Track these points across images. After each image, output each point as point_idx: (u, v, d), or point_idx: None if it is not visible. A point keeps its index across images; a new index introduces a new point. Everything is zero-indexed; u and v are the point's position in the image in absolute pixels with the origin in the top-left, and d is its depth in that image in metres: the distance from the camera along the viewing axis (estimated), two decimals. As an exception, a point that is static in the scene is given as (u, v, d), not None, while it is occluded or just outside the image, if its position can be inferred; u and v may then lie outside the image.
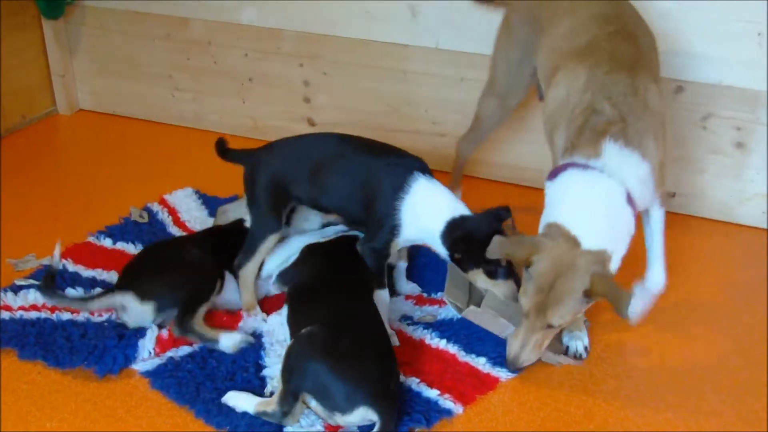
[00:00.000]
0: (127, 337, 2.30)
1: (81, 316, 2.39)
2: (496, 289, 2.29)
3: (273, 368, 2.23)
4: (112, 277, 2.56)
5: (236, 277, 2.46)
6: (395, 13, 3.23)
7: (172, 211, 3.00)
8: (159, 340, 2.31)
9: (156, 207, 3.01)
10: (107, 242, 2.79)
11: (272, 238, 2.44)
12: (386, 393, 2.01)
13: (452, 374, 2.25)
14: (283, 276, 2.46)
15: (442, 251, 2.32)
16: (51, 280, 2.33)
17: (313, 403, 2.03)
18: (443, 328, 2.42)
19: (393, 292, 2.51)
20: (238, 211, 2.66)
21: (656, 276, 2.37)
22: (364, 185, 2.36)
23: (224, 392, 2.14)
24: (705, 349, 2.40)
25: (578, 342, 2.34)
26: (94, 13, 3.73)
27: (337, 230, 2.61)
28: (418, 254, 2.68)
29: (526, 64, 2.62)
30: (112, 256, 2.71)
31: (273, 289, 2.49)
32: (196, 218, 2.95)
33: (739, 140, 2.94)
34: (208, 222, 2.87)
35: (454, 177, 3.04)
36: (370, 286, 2.35)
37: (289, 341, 2.16)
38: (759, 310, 2.55)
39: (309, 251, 2.46)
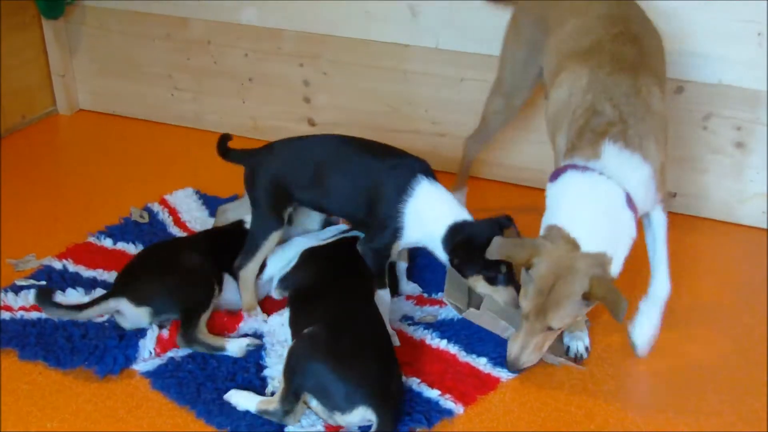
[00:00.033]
0: (127, 338, 2.30)
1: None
2: (496, 295, 2.29)
3: (274, 369, 2.23)
4: (112, 277, 2.55)
5: (236, 277, 2.46)
6: (395, 13, 3.23)
7: (173, 212, 3.00)
8: (160, 340, 2.31)
9: (156, 207, 3.01)
10: (108, 242, 2.79)
11: (273, 238, 2.44)
12: (386, 393, 2.01)
13: (453, 374, 2.25)
14: (284, 281, 2.46)
15: (442, 255, 2.31)
16: (48, 294, 2.33)
17: (314, 403, 2.03)
18: (444, 328, 2.42)
19: (394, 293, 2.50)
20: (238, 212, 2.66)
21: (661, 284, 2.31)
22: (367, 188, 2.35)
23: (225, 393, 2.14)
24: (705, 349, 2.40)
25: (579, 342, 2.34)
26: (94, 13, 3.73)
27: (338, 229, 2.61)
28: (418, 255, 2.68)
29: (532, 64, 2.61)
30: (113, 256, 2.71)
31: (275, 294, 2.48)
32: (197, 218, 2.95)
33: (739, 140, 2.94)
34: (209, 222, 2.87)
35: (460, 176, 3.03)
36: (371, 287, 2.35)
37: (291, 342, 2.17)
38: (759, 310, 2.55)
39: (308, 255, 2.46)
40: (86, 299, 2.42)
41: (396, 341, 2.32)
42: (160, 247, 2.59)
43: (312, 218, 2.63)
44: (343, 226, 2.63)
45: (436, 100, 3.30)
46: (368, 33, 3.30)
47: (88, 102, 3.94)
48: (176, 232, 2.89)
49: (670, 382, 2.27)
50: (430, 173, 2.36)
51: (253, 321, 2.42)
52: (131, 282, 2.36)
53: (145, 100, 3.81)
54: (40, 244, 2.77)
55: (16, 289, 2.51)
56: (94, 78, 3.88)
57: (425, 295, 2.59)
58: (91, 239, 2.81)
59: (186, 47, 3.64)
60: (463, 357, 2.32)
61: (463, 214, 2.31)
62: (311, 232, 2.63)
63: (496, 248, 2.10)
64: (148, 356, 2.28)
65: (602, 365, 2.32)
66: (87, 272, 2.63)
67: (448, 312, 2.47)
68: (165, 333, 2.32)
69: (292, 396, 2.01)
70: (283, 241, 2.53)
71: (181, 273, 2.37)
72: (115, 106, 3.90)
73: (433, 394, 2.18)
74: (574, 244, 2.02)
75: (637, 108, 2.14)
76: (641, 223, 2.26)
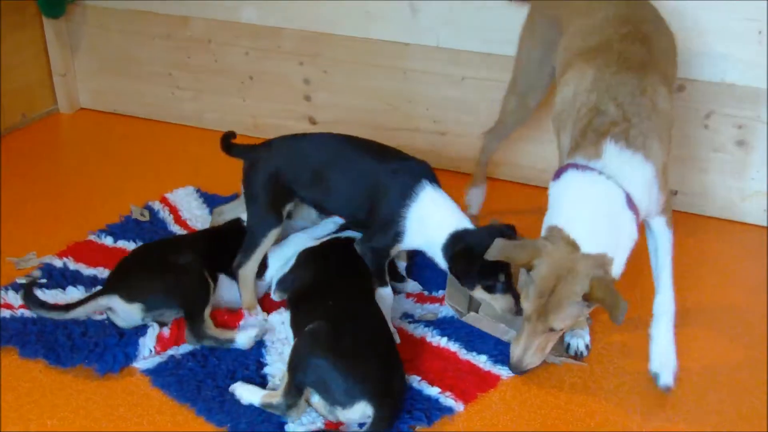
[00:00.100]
0: (127, 336, 2.30)
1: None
2: (494, 302, 2.29)
3: (274, 366, 2.24)
4: (113, 275, 2.57)
5: (236, 276, 2.45)
6: (395, 12, 3.23)
7: (173, 210, 3.00)
8: (160, 339, 2.31)
9: (157, 205, 3.01)
10: (108, 240, 2.80)
11: (271, 236, 2.43)
12: (387, 390, 2.02)
13: (453, 372, 2.25)
14: (283, 283, 2.46)
15: (441, 262, 2.31)
16: (31, 291, 2.33)
17: (316, 399, 2.04)
18: (444, 326, 2.42)
19: (395, 290, 2.50)
20: (235, 211, 2.66)
21: (665, 304, 2.26)
22: (369, 190, 2.35)
23: (225, 390, 2.15)
24: (705, 347, 2.39)
25: (579, 340, 2.34)
26: (95, 12, 3.74)
27: (334, 222, 2.60)
28: (418, 253, 2.67)
29: (547, 64, 2.60)
30: (113, 254, 2.70)
31: (274, 297, 2.48)
32: (197, 217, 2.95)
33: (740, 138, 2.94)
34: (210, 220, 2.86)
35: (478, 172, 3.00)
36: (371, 285, 2.35)
37: (293, 342, 2.18)
38: (760, 309, 2.55)
39: (306, 255, 2.46)
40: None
41: (397, 338, 2.32)
42: (152, 246, 2.59)
43: (311, 211, 2.62)
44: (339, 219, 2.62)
45: (437, 98, 3.29)
46: (368, 31, 3.30)
47: (89, 101, 3.94)
48: (177, 230, 2.89)
49: (670, 381, 2.27)
50: (433, 177, 2.35)
51: (254, 320, 2.42)
52: (123, 279, 2.36)
53: (146, 99, 3.82)
54: (41, 243, 2.78)
55: (17, 288, 2.51)
56: (95, 77, 3.88)
57: (425, 293, 2.59)
58: (92, 237, 2.81)
59: (186, 46, 3.64)
60: (464, 355, 2.32)
61: (464, 222, 2.30)
62: (311, 223, 2.62)
63: (497, 250, 2.09)
64: (148, 354, 2.28)
65: (603, 363, 2.31)
66: (87, 270, 2.63)
67: (448, 310, 2.47)
68: (165, 332, 2.33)
69: (294, 390, 2.03)
70: (280, 240, 2.53)
71: (173, 270, 2.36)
72: (115, 105, 3.90)
73: (433, 391, 2.18)
74: (574, 246, 2.01)
75: (642, 107, 2.12)
76: (643, 226, 2.23)
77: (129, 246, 2.75)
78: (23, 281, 2.54)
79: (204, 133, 3.66)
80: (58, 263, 2.65)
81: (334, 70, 3.42)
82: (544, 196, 2.17)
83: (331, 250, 2.47)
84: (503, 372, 2.25)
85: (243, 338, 2.30)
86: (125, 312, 2.32)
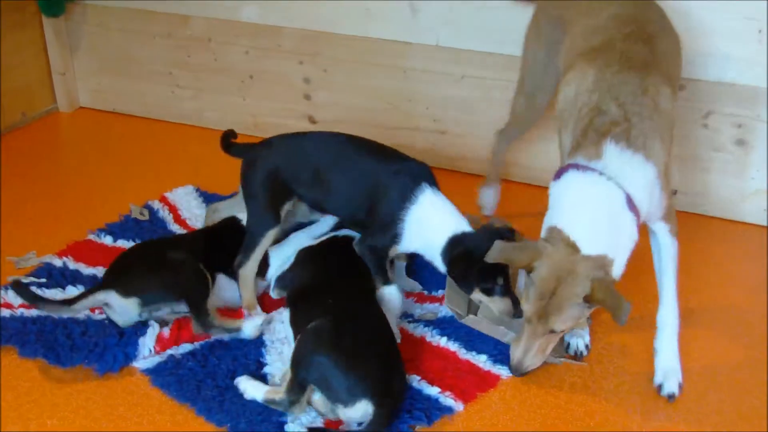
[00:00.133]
0: (127, 335, 2.30)
1: (81, 314, 2.39)
2: (492, 304, 2.28)
3: (274, 366, 2.24)
4: (113, 275, 2.56)
5: (236, 276, 2.45)
6: (395, 11, 3.22)
7: (173, 209, 3.00)
8: (160, 339, 2.31)
9: (157, 204, 3.01)
10: (108, 240, 2.80)
11: (270, 236, 2.43)
12: (388, 390, 2.03)
13: (453, 372, 2.25)
14: (281, 281, 2.46)
15: (440, 266, 2.30)
16: (20, 284, 2.34)
17: (316, 396, 2.05)
18: (444, 325, 2.42)
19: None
20: (231, 210, 2.66)
21: (668, 315, 2.25)
22: (369, 191, 2.34)
23: (225, 390, 2.15)
24: (705, 347, 2.39)
25: (579, 340, 2.34)
26: (95, 11, 3.73)
27: (333, 219, 2.59)
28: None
29: (552, 64, 2.58)
30: (113, 253, 2.68)
31: (273, 294, 2.48)
32: (197, 216, 2.95)
33: (740, 137, 2.93)
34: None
35: (491, 171, 2.98)
36: (370, 284, 2.35)
37: (292, 341, 2.19)
38: (760, 308, 2.55)
39: (304, 254, 2.46)
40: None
41: (398, 337, 2.32)
42: (148, 244, 2.62)
43: (302, 204, 2.61)
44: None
45: (437, 97, 3.29)
46: (368, 30, 3.30)
47: (89, 100, 3.94)
48: (176, 229, 2.89)
49: (670, 380, 2.27)
50: (432, 180, 2.35)
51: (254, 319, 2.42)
52: (119, 275, 2.37)
53: (146, 98, 3.81)
54: (41, 242, 2.78)
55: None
56: (95, 76, 3.88)
57: (425, 292, 2.59)
58: (92, 237, 2.81)
59: (186, 45, 3.63)
60: (463, 354, 2.32)
61: (462, 225, 2.28)
62: (302, 217, 2.62)
63: (497, 252, 2.08)
64: (147, 354, 2.28)
65: (603, 363, 2.31)
66: (87, 270, 2.63)
67: (447, 310, 2.47)
68: (165, 332, 2.32)
69: (297, 387, 2.04)
70: (279, 240, 2.53)
71: (169, 265, 2.37)
72: (115, 104, 3.90)
73: (433, 391, 2.18)
74: (574, 247, 2.00)
75: (644, 107, 2.11)
76: (644, 227, 2.21)
77: (128, 245, 2.75)
78: (23, 280, 2.54)
79: (204, 132, 3.66)
80: (57, 262, 2.64)
81: (334, 69, 3.42)
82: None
83: (330, 249, 2.47)
84: (503, 372, 2.25)
85: (249, 326, 2.33)
86: (122, 307, 2.32)
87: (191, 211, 2.98)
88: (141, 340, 2.28)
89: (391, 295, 2.36)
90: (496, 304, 2.27)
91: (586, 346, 2.34)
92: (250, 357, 2.28)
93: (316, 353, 2.02)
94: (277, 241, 2.50)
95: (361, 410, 2.00)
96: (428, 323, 2.43)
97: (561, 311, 2.02)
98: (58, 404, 2.14)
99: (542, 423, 2.12)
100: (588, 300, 1.99)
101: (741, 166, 2.97)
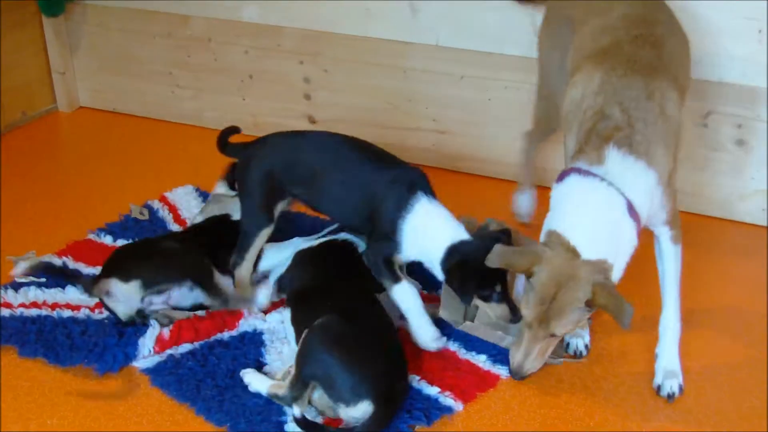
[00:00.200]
0: (127, 335, 2.30)
1: (81, 314, 2.40)
2: (489, 310, 2.26)
3: (273, 365, 2.24)
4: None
5: (232, 276, 2.45)
6: (395, 11, 3.22)
7: (173, 209, 3.00)
8: (159, 340, 2.31)
9: (156, 204, 3.01)
10: (107, 239, 2.80)
11: (263, 236, 2.43)
12: (390, 392, 2.03)
13: (453, 372, 2.25)
14: (281, 282, 2.46)
15: (439, 274, 2.28)
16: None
17: (318, 394, 2.05)
18: (443, 325, 2.41)
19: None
20: (220, 205, 2.66)
21: (670, 320, 2.24)
22: (365, 198, 2.31)
23: (225, 390, 2.15)
24: (705, 347, 2.39)
25: (579, 340, 2.34)
26: (95, 11, 3.73)
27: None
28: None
29: (566, 65, 2.51)
30: (113, 253, 2.71)
31: (274, 296, 2.48)
32: (197, 216, 2.95)
33: (739, 137, 2.93)
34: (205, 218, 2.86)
35: (522, 176, 2.92)
36: (371, 285, 2.34)
37: (293, 342, 2.20)
38: (759, 308, 2.55)
39: (302, 255, 2.46)
40: (85, 297, 2.43)
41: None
42: (143, 241, 2.66)
43: None
44: None
45: (437, 97, 3.29)
46: (368, 30, 3.30)
47: (89, 99, 3.94)
48: (176, 229, 2.88)
49: (670, 380, 2.27)
50: (428, 188, 2.31)
51: (253, 318, 2.42)
52: (118, 264, 2.39)
53: (146, 98, 3.81)
54: (40, 241, 2.78)
55: (16, 286, 2.51)
56: (95, 75, 3.88)
57: (425, 292, 2.58)
58: (91, 236, 2.82)
59: (186, 44, 3.63)
60: (463, 354, 2.32)
61: (459, 234, 2.25)
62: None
63: (496, 256, 2.06)
64: (147, 354, 2.28)
65: (602, 364, 2.31)
66: (87, 269, 2.63)
67: (447, 311, 2.47)
68: (165, 332, 2.32)
69: (300, 383, 2.04)
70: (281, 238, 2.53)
71: (164, 252, 2.42)
72: (115, 104, 3.90)
73: (432, 391, 2.18)
74: (573, 252, 1.99)
75: (648, 112, 2.08)
76: (645, 231, 2.19)
77: (128, 245, 2.76)
78: (23, 280, 2.54)
79: (204, 132, 3.65)
80: (57, 262, 2.64)
81: (334, 69, 3.42)
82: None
83: (328, 251, 2.47)
84: (503, 372, 2.25)
85: (261, 295, 2.43)
86: (124, 293, 2.32)
87: (191, 210, 2.98)
88: (141, 340, 2.29)
89: (405, 290, 2.30)
90: (494, 310, 2.25)
91: (586, 346, 2.34)
92: (249, 356, 2.28)
93: (323, 350, 2.03)
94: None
95: (363, 410, 2.00)
96: (428, 323, 2.43)
97: (562, 316, 2.00)
98: (58, 404, 2.14)
99: (542, 423, 2.12)
100: (590, 304, 1.98)
101: (741, 166, 2.97)
